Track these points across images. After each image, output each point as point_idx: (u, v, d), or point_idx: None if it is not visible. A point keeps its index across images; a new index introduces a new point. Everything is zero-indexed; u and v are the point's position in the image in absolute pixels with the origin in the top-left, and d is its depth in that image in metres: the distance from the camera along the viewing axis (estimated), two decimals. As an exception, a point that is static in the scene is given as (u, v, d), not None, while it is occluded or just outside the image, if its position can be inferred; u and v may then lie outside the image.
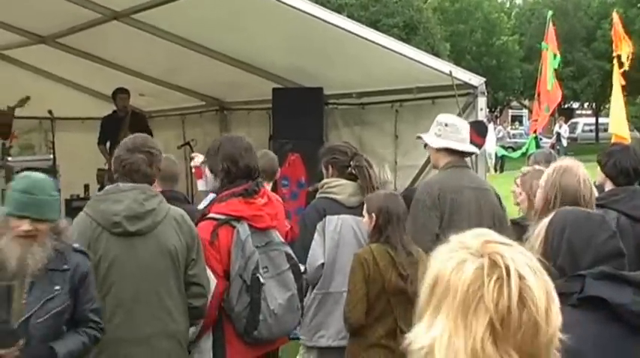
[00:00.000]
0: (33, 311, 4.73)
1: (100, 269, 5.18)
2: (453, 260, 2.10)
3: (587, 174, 4.89)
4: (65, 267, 4.85)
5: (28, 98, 13.39)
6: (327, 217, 6.67)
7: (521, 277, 2.03)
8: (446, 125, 6.64)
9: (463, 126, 6.78)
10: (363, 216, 6.32)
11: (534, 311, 2.02)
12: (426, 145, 6.92)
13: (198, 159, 7.06)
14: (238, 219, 5.60)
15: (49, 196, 4.76)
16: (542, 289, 2.06)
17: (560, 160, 5.33)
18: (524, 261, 2.08)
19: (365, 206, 6.27)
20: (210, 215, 5.64)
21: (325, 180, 6.94)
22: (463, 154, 6.76)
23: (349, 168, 6.87)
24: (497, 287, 2.02)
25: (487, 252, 2.08)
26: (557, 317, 2.08)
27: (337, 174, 6.90)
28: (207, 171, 5.84)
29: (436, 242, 2.40)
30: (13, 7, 12.39)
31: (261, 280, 5.52)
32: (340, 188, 6.79)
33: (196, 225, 5.59)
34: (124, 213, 5.21)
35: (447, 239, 2.22)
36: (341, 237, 6.66)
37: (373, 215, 6.13)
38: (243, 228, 5.57)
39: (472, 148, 6.98)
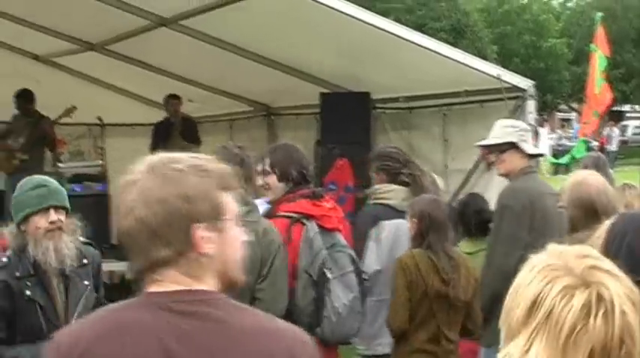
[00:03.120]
0: (78, 311, 4.82)
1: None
2: (558, 285, 2.07)
3: (603, 184, 4.87)
4: (85, 261, 4.96)
5: (74, 108, 13.44)
6: (381, 223, 6.63)
7: (623, 313, 2.02)
8: (527, 131, 6.59)
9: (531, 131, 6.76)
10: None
11: (631, 346, 2.02)
12: (502, 151, 6.74)
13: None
14: (308, 217, 5.63)
15: (59, 187, 4.89)
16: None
17: (575, 174, 5.32)
18: (626, 293, 2.07)
19: (408, 211, 6.26)
20: (282, 213, 5.66)
21: (377, 186, 6.91)
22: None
23: (401, 175, 6.80)
24: (601, 323, 2.01)
25: (593, 281, 2.06)
26: None
27: (388, 180, 6.86)
28: (272, 179, 5.80)
29: (527, 251, 2.35)
30: (62, 14, 12.52)
31: (328, 275, 5.54)
32: (392, 193, 6.77)
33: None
34: None
35: (538, 248, 2.21)
36: (395, 242, 6.62)
37: (415, 220, 6.12)
38: (312, 226, 5.61)
39: (543, 151, 6.93)
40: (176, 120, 14.01)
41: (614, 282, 2.06)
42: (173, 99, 14.05)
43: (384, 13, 12.38)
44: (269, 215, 5.76)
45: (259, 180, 5.88)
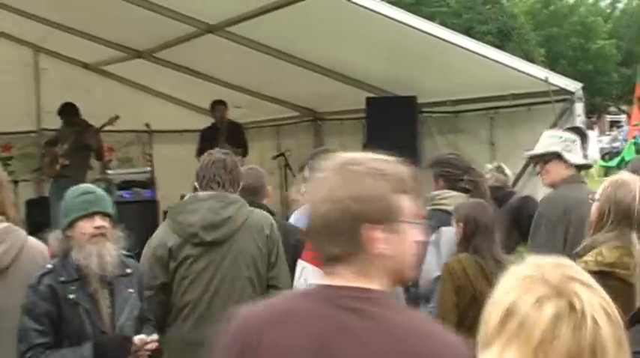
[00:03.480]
0: (124, 317, 4.88)
1: (176, 278, 5.35)
2: (532, 295, 2.10)
3: None
4: (128, 271, 5.00)
5: (117, 117, 13.54)
6: (441, 229, 6.60)
7: (595, 323, 2.03)
8: (574, 141, 6.54)
9: (579, 141, 6.71)
10: None
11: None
12: (546, 160, 6.74)
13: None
14: None
15: (105, 194, 4.98)
16: (614, 337, 2.05)
17: (619, 174, 5.25)
18: (601, 304, 2.08)
19: (453, 215, 6.25)
20: None
21: (436, 192, 6.85)
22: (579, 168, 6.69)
23: (461, 182, 6.78)
24: (571, 333, 2.03)
25: (567, 291, 2.07)
26: None
27: (447, 186, 6.80)
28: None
29: None
30: (110, 23, 12.62)
31: None
32: (452, 199, 6.69)
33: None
34: (199, 223, 5.28)
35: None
36: (454, 247, 6.55)
37: (461, 224, 6.11)
38: None
39: (591, 161, 6.89)
40: (222, 126, 14.07)
41: (588, 293, 2.07)
42: (219, 105, 14.12)
43: (430, 17, 12.36)
44: None
45: (302, 187, 5.89)
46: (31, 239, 5.12)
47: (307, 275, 5.53)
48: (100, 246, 4.75)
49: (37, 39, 14.89)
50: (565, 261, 2.20)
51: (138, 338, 4.82)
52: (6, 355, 4.88)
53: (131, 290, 4.97)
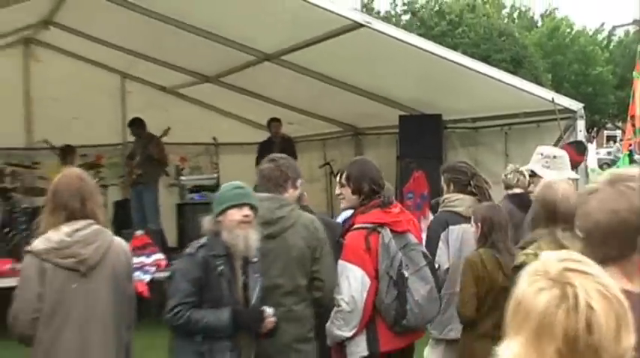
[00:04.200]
0: (255, 294, 5.05)
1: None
2: (533, 286, 2.07)
3: (569, 190, 4.85)
4: (255, 259, 5.09)
5: (169, 129, 13.60)
6: (450, 227, 6.52)
7: (589, 307, 1.99)
8: (554, 157, 6.43)
9: (565, 156, 6.60)
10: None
11: (600, 338, 1.98)
12: (534, 175, 6.74)
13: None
14: (382, 225, 5.53)
15: (252, 191, 5.15)
16: (612, 315, 2.00)
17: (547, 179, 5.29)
18: (598, 289, 2.02)
19: (472, 216, 6.17)
20: (358, 225, 5.57)
21: (446, 196, 6.78)
22: None
23: (469, 187, 6.66)
24: (565, 317, 1.99)
25: (563, 281, 2.03)
26: (628, 338, 2.02)
27: (457, 190, 6.70)
28: (346, 190, 5.75)
29: None
30: (183, 53, 12.70)
31: (406, 275, 5.47)
32: (459, 201, 6.62)
33: (344, 235, 5.62)
34: (258, 219, 5.23)
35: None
36: (462, 244, 6.48)
37: (479, 224, 6.01)
38: (386, 233, 5.52)
39: (575, 175, 6.86)
40: (277, 139, 14.08)
41: (584, 280, 2.02)
42: (275, 121, 14.13)
43: (454, 47, 12.26)
44: (348, 225, 5.68)
45: (337, 190, 5.87)
46: (116, 238, 5.10)
47: (348, 273, 5.44)
48: (245, 231, 4.89)
49: (124, 67, 15.00)
50: (574, 255, 2.15)
51: (269, 312, 5.00)
52: (97, 336, 4.84)
53: (257, 275, 5.09)
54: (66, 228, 4.77)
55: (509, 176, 7.56)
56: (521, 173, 7.56)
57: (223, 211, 4.92)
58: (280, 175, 5.53)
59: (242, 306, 4.96)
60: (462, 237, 6.51)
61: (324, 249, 5.42)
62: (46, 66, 15.04)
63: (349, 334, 5.47)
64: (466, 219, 6.49)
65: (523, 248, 4.80)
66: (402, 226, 5.64)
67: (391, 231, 5.54)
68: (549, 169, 6.46)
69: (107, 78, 15.43)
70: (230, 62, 12.44)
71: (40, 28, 13.81)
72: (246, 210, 4.92)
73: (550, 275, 2.05)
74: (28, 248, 4.83)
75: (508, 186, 7.53)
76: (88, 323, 4.79)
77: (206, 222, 5.01)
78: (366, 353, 5.51)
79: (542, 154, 6.60)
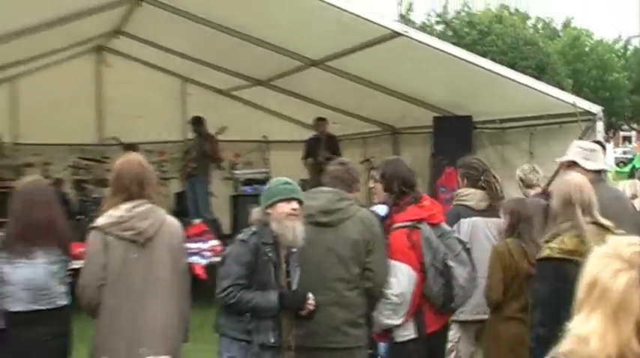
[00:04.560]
0: (295, 280, 5.09)
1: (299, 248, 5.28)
2: (609, 268, 2.04)
3: (584, 184, 4.77)
4: (294, 250, 5.11)
5: (225, 127, 13.66)
6: (461, 220, 6.48)
7: None
8: (592, 150, 6.38)
9: (600, 150, 6.54)
10: (491, 218, 6.31)
11: None
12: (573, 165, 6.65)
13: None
14: (419, 221, 5.52)
15: (298, 186, 5.18)
16: None
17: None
18: None
19: (501, 209, 6.11)
20: (398, 224, 5.56)
21: (459, 191, 6.75)
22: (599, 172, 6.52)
23: (479, 182, 6.61)
24: None
25: (637, 263, 2.02)
26: None
27: (469, 184, 6.65)
28: (379, 187, 5.76)
29: None
30: (238, 59, 12.74)
31: (450, 264, 5.47)
32: (471, 196, 6.57)
33: (385, 232, 5.57)
34: (317, 208, 5.27)
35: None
36: (472, 234, 6.41)
37: (507, 216, 5.97)
38: (425, 227, 5.51)
39: (608, 166, 6.77)
40: (322, 137, 14.09)
41: None
42: (321, 121, 14.14)
43: (483, 55, 12.20)
44: (388, 225, 5.65)
45: (371, 183, 5.88)
46: (169, 216, 5.18)
47: (396, 270, 5.44)
48: (293, 223, 4.92)
49: (185, 71, 15.08)
50: (637, 239, 2.13)
51: (310, 296, 5.02)
52: (156, 301, 4.93)
53: (296, 264, 5.12)
54: (125, 206, 4.88)
55: (528, 175, 7.49)
56: (535, 171, 7.53)
57: (273, 204, 4.94)
58: (349, 177, 5.55)
59: (292, 290, 5.00)
60: (471, 230, 6.47)
61: (378, 243, 5.38)
62: (115, 71, 15.20)
63: (398, 322, 5.47)
64: (477, 212, 6.46)
65: (547, 241, 4.74)
66: (437, 218, 5.63)
67: (428, 224, 5.54)
68: (589, 161, 6.40)
69: (170, 81, 15.55)
70: (280, 67, 12.48)
71: (111, 37, 13.96)
72: (295, 204, 4.95)
73: (624, 258, 2.04)
74: (92, 224, 4.94)
75: (528, 185, 7.46)
76: (147, 290, 4.88)
77: (255, 212, 5.04)
78: (414, 336, 5.51)
79: (581, 148, 6.52)
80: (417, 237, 5.46)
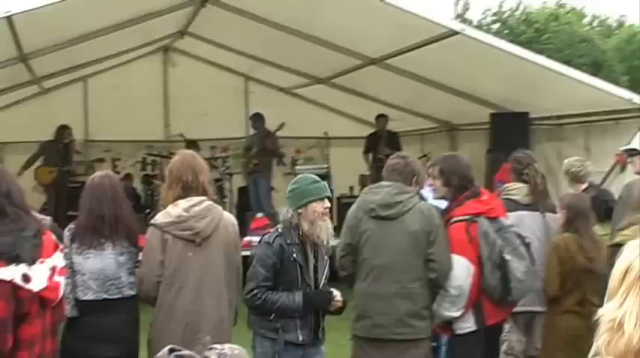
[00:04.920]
0: (323, 276, 5.08)
1: (360, 242, 5.30)
2: None
3: None
4: (325, 242, 5.08)
5: (283, 124, 13.67)
6: (507, 214, 6.39)
7: None
8: None
9: None
10: (537, 211, 6.27)
11: None
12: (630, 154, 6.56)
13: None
14: (478, 215, 5.45)
15: (326, 183, 5.13)
16: None
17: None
18: None
19: (558, 204, 6.06)
20: (457, 218, 5.49)
21: (506, 185, 6.66)
22: None
23: (523, 176, 6.51)
24: None
25: None
26: None
27: (515, 178, 6.56)
28: (438, 182, 5.69)
29: None
30: (299, 57, 12.77)
31: (507, 257, 5.37)
32: (517, 190, 6.47)
33: (444, 224, 5.49)
34: (378, 202, 5.26)
35: None
36: (517, 228, 6.32)
37: (564, 211, 5.90)
38: (483, 221, 5.43)
39: None
40: (382, 133, 14.05)
41: None
42: (381, 117, 14.10)
43: (539, 52, 12.01)
44: (447, 219, 5.58)
45: (430, 180, 5.81)
46: (225, 213, 5.24)
47: (454, 264, 5.37)
48: (326, 222, 4.93)
49: (247, 70, 15.17)
50: None
51: (336, 293, 5.02)
52: (210, 298, 4.98)
53: (326, 258, 5.10)
54: (183, 204, 4.95)
55: (580, 172, 7.39)
56: (585, 166, 7.44)
57: (306, 204, 4.90)
58: (408, 170, 5.48)
59: (312, 288, 4.98)
60: (516, 224, 6.37)
61: (439, 234, 5.33)
62: (181, 70, 15.40)
63: (457, 314, 5.40)
64: (523, 206, 6.36)
65: (622, 229, 4.74)
66: (495, 212, 5.55)
67: (486, 218, 5.47)
68: None
69: (233, 80, 15.66)
70: (340, 66, 12.47)
71: (177, 38, 14.13)
72: (327, 202, 4.95)
73: None
74: (151, 221, 5.01)
75: (578, 180, 7.35)
76: (202, 286, 4.95)
77: (284, 213, 5.00)
78: (474, 328, 5.45)
79: None
80: (475, 231, 5.39)
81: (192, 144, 13.41)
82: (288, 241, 4.88)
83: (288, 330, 4.89)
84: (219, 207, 5.16)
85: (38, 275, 3.54)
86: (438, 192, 5.77)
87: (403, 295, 5.23)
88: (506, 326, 6.58)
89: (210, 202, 5.03)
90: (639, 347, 1.95)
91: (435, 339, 5.87)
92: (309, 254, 4.96)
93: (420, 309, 5.30)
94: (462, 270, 5.35)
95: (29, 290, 3.50)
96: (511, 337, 6.53)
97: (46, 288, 3.59)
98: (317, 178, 5.09)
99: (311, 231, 4.87)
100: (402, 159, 5.58)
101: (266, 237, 5.04)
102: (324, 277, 5.06)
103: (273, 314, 4.89)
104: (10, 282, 3.44)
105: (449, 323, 5.50)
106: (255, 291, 4.87)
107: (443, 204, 5.81)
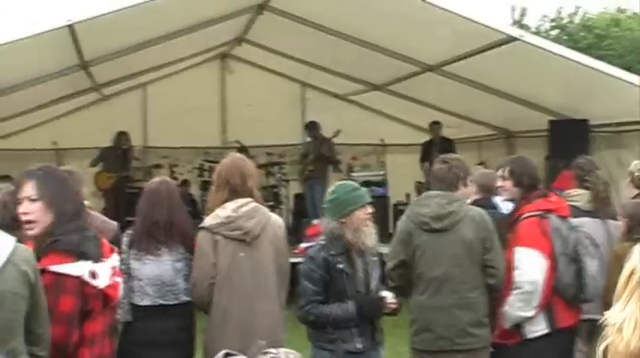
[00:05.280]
0: (375, 281, 5.02)
1: (415, 256, 5.24)
2: None
3: None
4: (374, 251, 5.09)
5: (339, 131, 13.67)
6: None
7: None
8: None
9: None
10: (596, 218, 6.16)
11: None
12: None
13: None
14: (548, 211, 5.39)
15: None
16: None
17: None
18: None
19: (620, 211, 5.97)
20: (528, 213, 5.41)
21: (567, 191, 6.55)
22: None
23: (584, 182, 6.41)
24: None
25: None
26: None
27: (577, 185, 6.46)
28: (508, 183, 5.63)
29: None
30: (355, 64, 12.79)
31: (581, 251, 5.32)
32: (579, 196, 6.35)
33: (511, 225, 5.45)
34: (430, 214, 5.20)
35: None
36: None
37: (626, 219, 5.81)
38: (554, 218, 5.37)
39: None
40: (437, 140, 13.98)
41: None
42: (435, 124, 14.05)
43: (600, 58, 11.81)
44: (513, 216, 5.52)
45: (499, 182, 5.73)
46: (273, 215, 5.28)
47: (527, 257, 5.29)
48: (370, 228, 4.88)
49: (303, 77, 15.20)
50: None
51: (388, 297, 4.95)
52: (262, 297, 5.02)
53: (375, 259, 5.06)
54: (231, 206, 4.98)
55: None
56: None
57: (349, 213, 4.84)
58: (452, 176, 5.42)
59: (363, 294, 4.92)
60: None
61: (494, 239, 5.27)
62: (238, 77, 15.52)
63: (531, 314, 5.29)
64: (584, 213, 6.24)
65: None
66: (564, 212, 5.49)
67: (556, 215, 5.41)
68: None
69: (289, 86, 15.73)
70: (396, 72, 12.43)
71: (234, 45, 14.24)
72: (369, 208, 4.90)
73: None
74: (200, 225, 5.05)
75: (638, 185, 7.21)
76: (255, 287, 4.98)
77: (327, 224, 4.92)
78: (547, 331, 5.34)
79: None
80: (547, 226, 5.33)
81: (242, 149, 13.51)
82: (332, 252, 4.83)
83: (346, 340, 4.86)
84: (266, 209, 5.20)
85: (102, 273, 3.65)
86: (508, 193, 5.70)
87: (463, 305, 5.18)
88: None
89: (256, 204, 5.06)
90: (637, 352, 1.96)
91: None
92: (355, 261, 4.91)
93: (481, 317, 5.24)
94: (535, 264, 5.25)
95: (95, 287, 3.60)
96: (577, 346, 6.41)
97: (109, 286, 3.70)
98: (356, 185, 5.06)
99: (355, 238, 4.82)
100: (444, 164, 5.51)
101: (310, 251, 5.01)
102: (376, 282, 5.02)
103: (328, 327, 4.85)
104: (79, 278, 3.53)
105: (517, 328, 5.40)
106: (307, 307, 4.84)
107: (508, 206, 5.78)
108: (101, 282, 3.63)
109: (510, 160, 5.86)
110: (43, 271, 3.38)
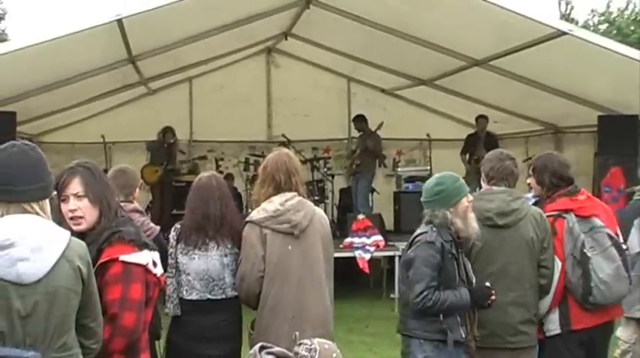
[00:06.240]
0: (470, 270, 5.00)
1: (472, 250, 5.18)
2: None
3: None
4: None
5: (382, 123, 13.56)
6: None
7: None
8: None
9: None
10: None
11: None
12: None
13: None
14: (567, 211, 5.31)
15: None
16: None
17: None
18: None
19: None
20: (547, 214, 5.35)
21: (638, 187, 6.46)
22: None
23: None
24: None
25: None
26: None
27: None
28: (533, 180, 5.59)
29: None
30: (401, 58, 12.76)
31: (588, 254, 5.20)
32: None
33: None
34: (495, 210, 5.17)
35: None
36: None
37: None
38: (571, 217, 5.28)
39: None
40: (482, 134, 13.92)
41: None
42: (482, 118, 13.97)
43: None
44: None
45: (528, 179, 5.70)
46: (317, 208, 5.24)
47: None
48: (472, 215, 4.92)
49: (349, 71, 15.19)
50: None
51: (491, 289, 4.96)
52: (312, 288, 4.98)
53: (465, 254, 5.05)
54: (278, 199, 4.98)
55: None
56: None
57: (457, 202, 4.87)
58: (517, 173, 5.40)
59: (466, 283, 4.92)
60: None
61: (551, 240, 5.23)
62: (283, 71, 15.55)
63: (543, 311, 5.31)
64: None
65: None
66: (587, 211, 5.37)
67: (576, 216, 5.32)
68: None
69: (335, 81, 15.72)
70: (443, 67, 12.36)
71: (280, 39, 14.25)
72: (470, 197, 4.94)
73: None
74: (248, 218, 5.06)
75: None
76: (304, 279, 4.96)
77: (441, 213, 4.89)
78: (559, 331, 5.30)
79: None
80: (561, 226, 5.28)
81: (287, 144, 13.53)
82: (444, 239, 4.84)
83: (452, 329, 4.83)
84: (310, 203, 5.19)
85: (158, 262, 3.75)
86: (535, 190, 5.67)
87: (518, 303, 5.15)
88: (633, 337, 6.39)
89: (301, 198, 5.06)
90: None
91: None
92: (460, 251, 4.95)
93: (532, 316, 5.22)
94: None
95: (155, 275, 3.70)
96: (636, 349, 6.33)
97: (162, 275, 3.81)
98: (457, 175, 5.08)
99: (464, 226, 4.86)
100: (511, 160, 5.46)
101: (425, 237, 4.90)
102: (471, 271, 5.02)
103: (441, 315, 4.81)
104: (145, 266, 3.63)
105: (541, 325, 5.39)
106: (425, 293, 4.75)
107: (530, 201, 5.72)
108: (159, 271, 3.74)
109: (537, 157, 5.80)
110: (109, 262, 3.49)
